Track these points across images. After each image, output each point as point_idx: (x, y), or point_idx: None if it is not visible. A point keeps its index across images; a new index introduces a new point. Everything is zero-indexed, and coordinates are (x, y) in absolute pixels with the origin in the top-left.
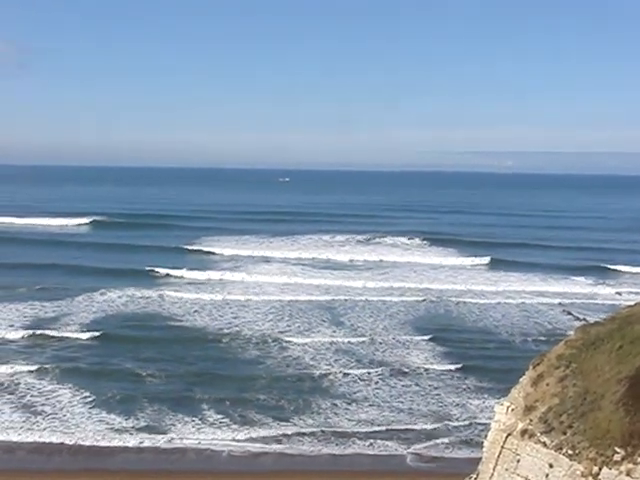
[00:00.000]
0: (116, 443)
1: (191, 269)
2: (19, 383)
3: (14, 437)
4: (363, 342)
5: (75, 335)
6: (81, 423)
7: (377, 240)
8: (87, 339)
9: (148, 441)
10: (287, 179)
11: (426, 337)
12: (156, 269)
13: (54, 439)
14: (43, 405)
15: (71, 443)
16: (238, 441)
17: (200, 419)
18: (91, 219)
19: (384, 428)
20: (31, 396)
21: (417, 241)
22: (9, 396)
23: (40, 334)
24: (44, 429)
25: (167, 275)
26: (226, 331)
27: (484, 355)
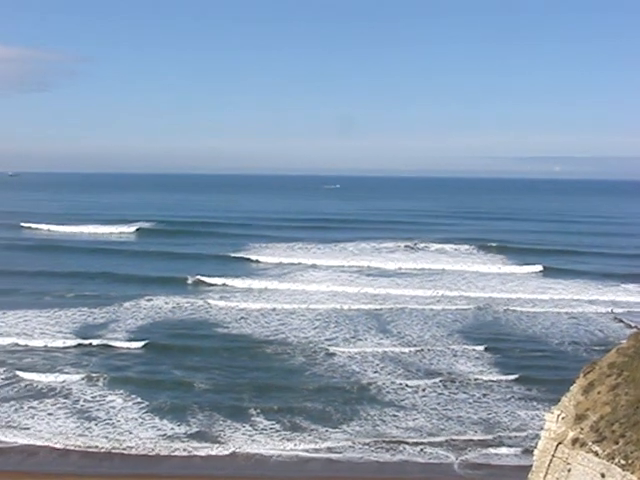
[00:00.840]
0: (166, 451)
1: (237, 277)
2: (71, 389)
3: (67, 442)
4: (412, 351)
5: (124, 344)
6: (133, 429)
7: (425, 247)
8: (135, 348)
9: (199, 448)
10: (337, 185)
11: (476, 346)
12: (202, 277)
13: (106, 445)
14: (96, 411)
15: (122, 448)
16: (287, 447)
17: (250, 425)
18: (137, 227)
19: (433, 437)
20: (84, 401)
21: (466, 248)
22: (63, 401)
23: (89, 343)
24: (96, 435)
25: (213, 283)
26: (272, 339)
27: (536, 365)
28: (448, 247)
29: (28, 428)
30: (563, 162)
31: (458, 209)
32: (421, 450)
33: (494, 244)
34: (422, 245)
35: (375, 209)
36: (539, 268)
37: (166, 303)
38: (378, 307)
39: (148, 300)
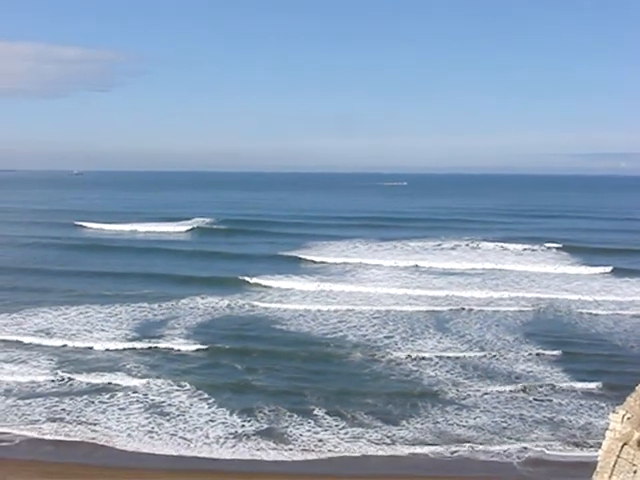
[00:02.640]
0: (234, 448)
1: (293, 277)
2: (137, 393)
3: (140, 446)
4: (476, 353)
5: (182, 346)
6: (202, 427)
7: (486, 246)
8: (194, 350)
9: (266, 447)
10: (404, 183)
11: (549, 350)
12: (257, 277)
13: (176, 450)
14: (164, 416)
15: (190, 446)
16: (351, 448)
17: (315, 423)
18: (192, 226)
19: (495, 435)
20: (152, 400)
21: (528, 247)
22: (132, 400)
23: (148, 346)
24: (164, 441)
25: (268, 285)
26: (331, 337)
27: (620, 371)
28: (510, 246)
29: (96, 424)
30: (630, 158)
31: (521, 207)
32: (482, 448)
33: (557, 243)
34: (483, 244)
35: (439, 207)
36: (607, 269)
37: (221, 305)
38: (438, 308)
39: (203, 301)
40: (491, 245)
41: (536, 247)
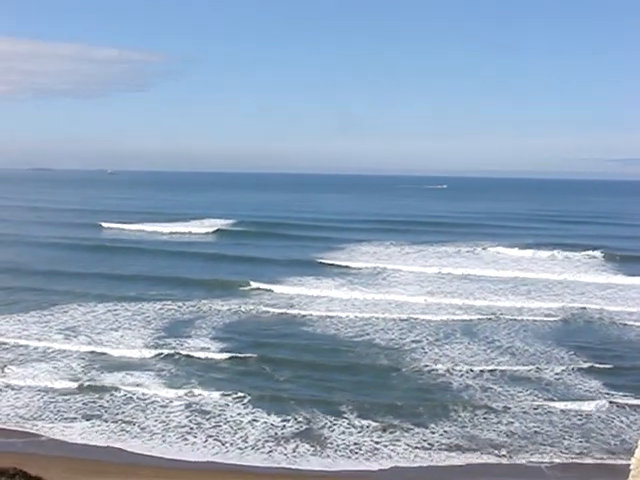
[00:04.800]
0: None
1: (319, 282)
2: (165, 396)
3: (172, 448)
4: (504, 359)
5: (208, 354)
6: (237, 432)
7: (519, 252)
8: (220, 359)
9: (303, 449)
10: (444, 186)
11: (577, 359)
12: (283, 283)
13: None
14: (194, 422)
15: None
16: (381, 453)
17: (348, 424)
18: (216, 227)
19: (526, 440)
20: (182, 413)
21: (564, 254)
22: (160, 410)
23: (168, 353)
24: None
25: (293, 291)
26: (357, 344)
27: None
28: (543, 253)
29: (129, 422)
30: None
31: (552, 212)
32: (509, 453)
33: (592, 250)
34: (515, 250)
35: (474, 210)
36: None
37: (244, 309)
38: (468, 316)
39: (226, 306)
40: (523, 251)
41: (570, 254)
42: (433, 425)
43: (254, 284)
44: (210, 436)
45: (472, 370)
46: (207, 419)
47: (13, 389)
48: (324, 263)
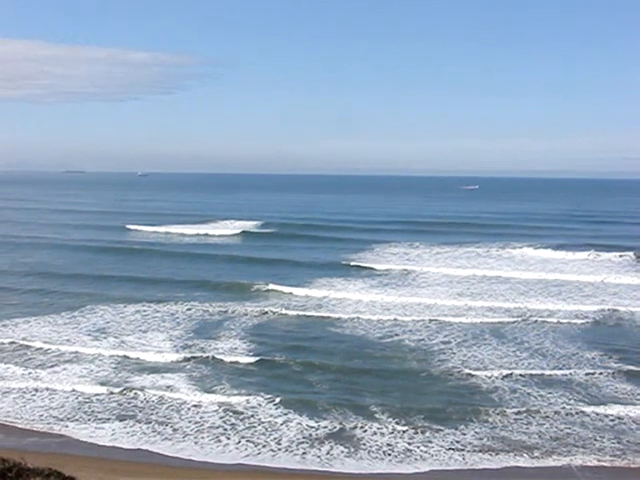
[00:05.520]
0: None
1: (346, 285)
2: (194, 400)
3: (206, 457)
4: (534, 361)
5: (237, 358)
6: (269, 435)
7: (549, 253)
8: (248, 362)
9: (337, 451)
10: (476, 186)
11: (608, 361)
12: (309, 286)
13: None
14: (226, 427)
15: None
16: (411, 457)
17: (378, 425)
18: (242, 229)
19: (557, 441)
20: (213, 417)
21: (596, 255)
22: (192, 414)
23: (198, 355)
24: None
25: (319, 293)
26: (386, 345)
27: None
28: (573, 254)
29: (163, 424)
30: None
31: (583, 212)
32: (538, 455)
33: (624, 251)
34: (545, 251)
35: (505, 211)
36: None
37: (271, 313)
38: (497, 318)
39: (254, 309)
40: (554, 252)
41: (602, 255)
42: (463, 427)
43: (281, 286)
44: (243, 437)
45: (501, 371)
46: (239, 421)
47: (46, 391)
48: (352, 265)
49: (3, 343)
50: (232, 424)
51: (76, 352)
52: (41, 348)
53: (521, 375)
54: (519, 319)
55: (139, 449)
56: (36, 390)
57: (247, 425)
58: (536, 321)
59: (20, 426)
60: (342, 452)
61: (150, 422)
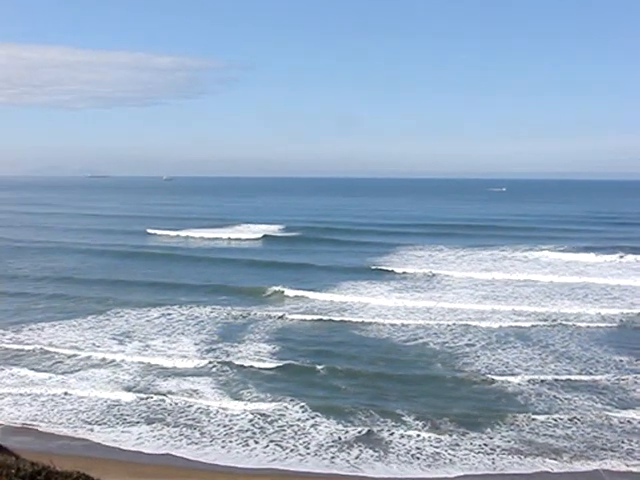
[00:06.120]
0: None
1: (369, 289)
2: (220, 406)
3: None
4: (560, 364)
5: (261, 363)
6: (298, 438)
7: (575, 256)
8: (276, 366)
9: (365, 455)
10: (503, 189)
11: (636, 365)
12: (332, 290)
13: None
14: (253, 432)
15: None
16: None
17: (405, 428)
18: (263, 233)
19: (584, 444)
20: (239, 422)
21: (623, 257)
22: (218, 420)
23: (223, 360)
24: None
25: (341, 298)
26: (411, 348)
27: None
28: (601, 257)
29: (191, 427)
30: None
31: (611, 214)
32: (566, 460)
33: None
34: (571, 254)
35: (532, 214)
36: None
37: (294, 318)
38: (522, 322)
39: (277, 314)
40: (580, 254)
41: (628, 257)
42: (489, 430)
43: (304, 291)
44: (272, 441)
45: (527, 375)
46: (268, 424)
47: (72, 395)
48: (376, 268)
49: (30, 349)
50: (261, 427)
51: (102, 356)
52: (67, 353)
53: (547, 378)
54: (544, 322)
55: (166, 453)
56: (62, 394)
57: (275, 429)
58: (562, 324)
59: (47, 430)
60: (371, 456)
61: (177, 426)
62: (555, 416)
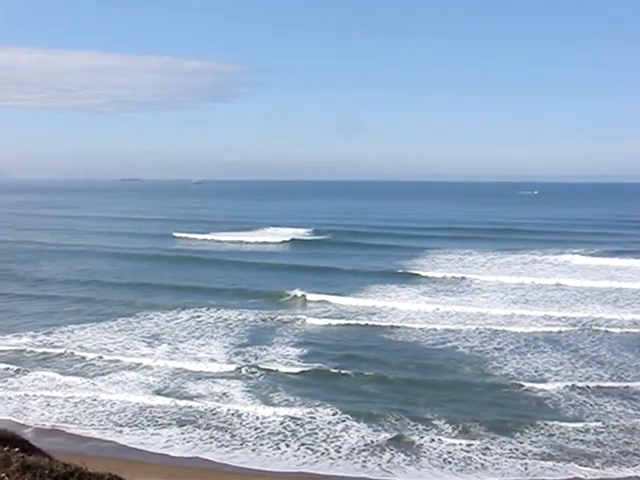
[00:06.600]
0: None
1: (398, 293)
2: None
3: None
4: (591, 369)
5: (291, 364)
6: (328, 442)
7: (606, 261)
8: (305, 371)
9: (397, 459)
10: (535, 192)
11: None
12: (360, 295)
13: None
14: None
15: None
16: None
17: (437, 432)
18: (290, 237)
19: (615, 449)
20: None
21: None
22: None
23: (252, 363)
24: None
25: (368, 302)
26: (440, 351)
27: None
28: (634, 261)
29: (223, 429)
30: None
31: None
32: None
33: None
34: (602, 259)
35: (565, 217)
36: None
37: (321, 323)
38: (553, 328)
39: (304, 318)
40: (612, 259)
41: None
42: (519, 434)
43: (332, 295)
44: (303, 444)
45: (557, 379)
46: (298, 428)
47: (102, 397)
48: (404, 272)
49: (61, 351)
50: (292, 430)
51: (132, 359)
52: (97, 355)
53: (577, 384)
54: (575, 327)
55: (195, 456)
56: (93, 397)
57: (307, 432)
58: (592, 329)
59: (76, 432)
60: (403, 460)
61: (209, 428)
62: (586, 421)
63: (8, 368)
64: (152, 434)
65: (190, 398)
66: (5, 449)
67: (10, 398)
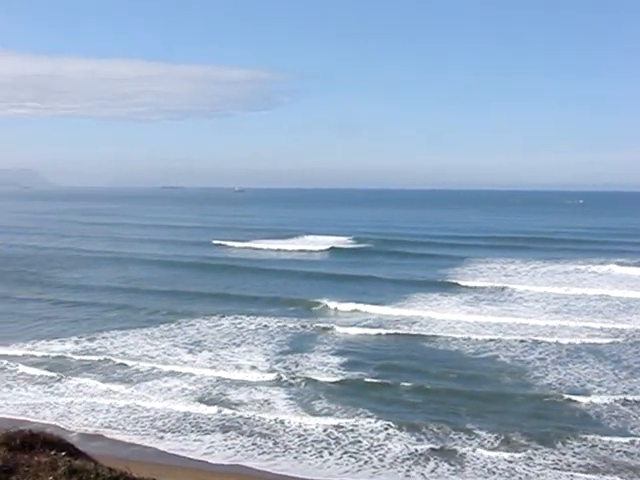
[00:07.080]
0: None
1: (438, 303)
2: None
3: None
4: (636, 380)
5: (332, 374)
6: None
7: None
8: (346, 380)
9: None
10: (580, 201)
11: None
12: (398, 305)
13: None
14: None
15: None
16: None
17: (479, 444)
18: (330, 245)
19: None
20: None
21: None
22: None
23: (293, 371)
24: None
25: (416, 313)
26: (481, 361)
27: None
28: None
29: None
30: None
31: None
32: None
33: None
34: None
35: (613, 227)
36: None
37: (363, 330)
38: (596, 339)
39: (341, 328)
40: None
41: None
42: (562, 445)
43: (373, 304)
44: (346, 452)
45: (600, 391)
46: (341, 436)
47: (145, 404)
48: (445, 282)
49: (104, 358)
50: (335, 438)
51: (173, 365)
52: (139, 362)
53: (620, 396)
54: (618, 338)
55: (236, 463)
56: (136, 403)
57: (350, 440)
58: (636, 340)
59: (121, 437)
60: (447, 470)
61: (252, 435)
62: (630, 433)
63: (53, 374)
64: (194, 440)
65: (232, 405)
66: (52, 453)
67: (56, 403)
